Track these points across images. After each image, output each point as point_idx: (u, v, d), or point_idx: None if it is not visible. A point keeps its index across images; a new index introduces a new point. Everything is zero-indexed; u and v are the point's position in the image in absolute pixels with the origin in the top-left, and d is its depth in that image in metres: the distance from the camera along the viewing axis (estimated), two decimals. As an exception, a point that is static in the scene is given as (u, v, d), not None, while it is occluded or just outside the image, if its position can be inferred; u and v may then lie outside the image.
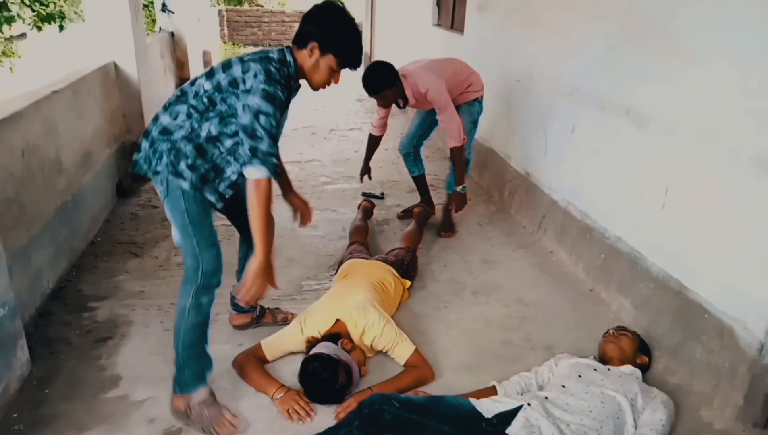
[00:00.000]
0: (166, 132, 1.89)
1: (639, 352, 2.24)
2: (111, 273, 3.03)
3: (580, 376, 2.02)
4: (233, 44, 13.61)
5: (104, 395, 2.16)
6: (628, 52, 2.72)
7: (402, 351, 2.32)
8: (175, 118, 1.89)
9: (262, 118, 1.78)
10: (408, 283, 2.88)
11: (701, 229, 2.30)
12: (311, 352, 2.18)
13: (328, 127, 6.28)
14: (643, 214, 2.64)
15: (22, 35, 11.20)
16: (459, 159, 3.38)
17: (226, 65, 1.89)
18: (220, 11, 12.96)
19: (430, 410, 1.88)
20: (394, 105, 3.40)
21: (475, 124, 3.57)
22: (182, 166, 1.87)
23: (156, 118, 1.94)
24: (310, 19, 1.96)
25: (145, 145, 1.92)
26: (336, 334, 2.27)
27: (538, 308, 2.86)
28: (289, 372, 2.26)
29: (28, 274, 2.56)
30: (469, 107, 3.49)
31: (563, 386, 1.98)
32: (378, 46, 9.25)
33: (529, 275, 3.19)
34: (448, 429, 1.83)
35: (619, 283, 2.82)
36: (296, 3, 15.05)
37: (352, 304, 2.36)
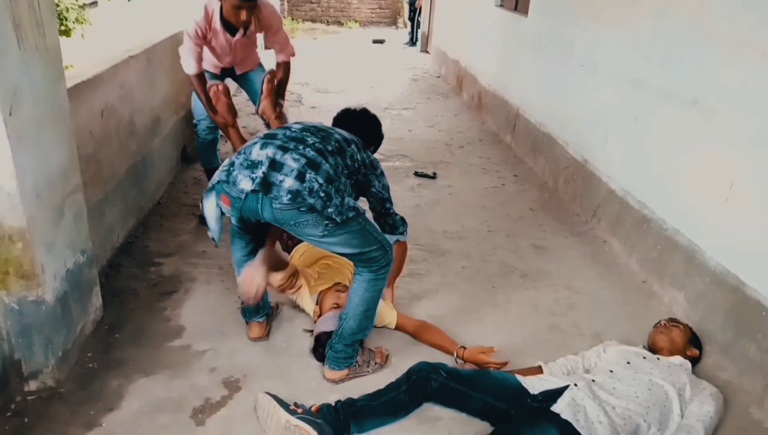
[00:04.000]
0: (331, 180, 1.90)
1: (690, 344, 2.22)
2: (175, 233, 3.20)
3: (628, 363, 2.03)
4: (292, 19, 13.75)
5: (168, 344, 2.32)
6: (696, 45, 2.65)
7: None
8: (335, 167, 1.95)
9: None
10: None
11: (765, 226, 2.24)
12: (318, 332, 2.30)
13: (383, 105, 6.33)
14: (705, 207, 2.59)
15: (94, 3, 11.65)
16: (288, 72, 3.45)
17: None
18: (280, -14, 13.11)
19: (476, 382, 1.93)
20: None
21: None
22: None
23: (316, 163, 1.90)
24: None
25: (307, 176, 1.85)
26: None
27: (587, 296, 2.85)
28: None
29: (101, 228, 2.74)
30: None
31: (611, 371, 1.99)
32: (437, 27, 9.18)
33: (580, 263, 3.18)
34: (493, 401, 1.89)
35: (673, 276, 2.77)
36: (356, -20, 15.01)
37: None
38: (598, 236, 3.47)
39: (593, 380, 1.93)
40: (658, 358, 2.09)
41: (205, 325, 2.43)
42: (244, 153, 1.93)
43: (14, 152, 1.74)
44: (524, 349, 2.41)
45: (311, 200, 1.81)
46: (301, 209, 1.82)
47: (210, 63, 3.27)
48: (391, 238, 2.30)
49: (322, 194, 1.83)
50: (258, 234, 2.23)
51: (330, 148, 1.97)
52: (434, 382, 1.93)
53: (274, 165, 1.85)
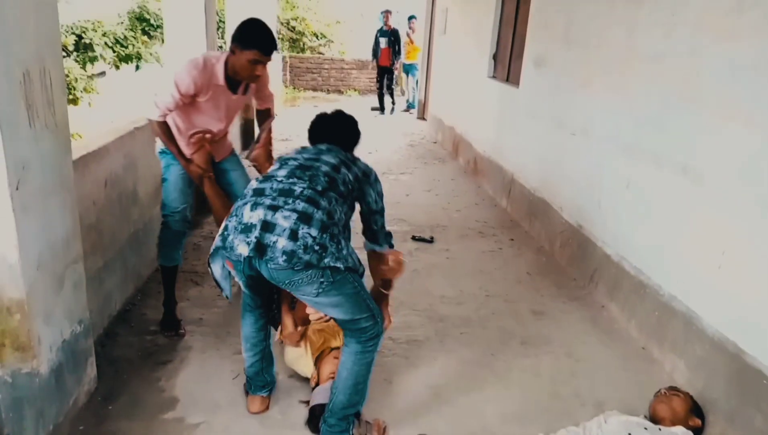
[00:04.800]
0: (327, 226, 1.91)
1: (692, 413, 2.19)
2: (173, 300, 3.20)
3: None
4: (294, 88, 14.21)
5: (162, 416, 2.27)
6: (687, 112, 2.75)
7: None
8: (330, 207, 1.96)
9: None
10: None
11: (759, 292, 2.25)
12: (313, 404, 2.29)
13: (381, 169, 6.44)
14: (699, 273, 2.61)
15: (102, 73, 12.10)
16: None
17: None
18: (283, 57, 13.62)
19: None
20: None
21: None
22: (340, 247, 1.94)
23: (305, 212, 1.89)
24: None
25: (300, 233, 1.85)
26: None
27: (588, 363, 2.82)
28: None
29: (99, 296, 2.74)
30: None
31: (612, 443, 1.95)
32: (433, 96, 9.50)
33: (579, 329, 3.16)
34: (494, 477, 1.83)
35: (673, 342, 2.76)
36: (355, 52, 15.65)
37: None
38: (597, 301, 3.47)
39: (595, 453, 1.89)
40: (660, 429, 2.05)
41: (200, 396, 2.39)
42: (236, 215, 1.95)
43: (18, 224, 1.78)
44: (526, 418, 2.37)
45: (306, 257, 1.82)
46: (296, 268, 1.83)
47: (185, 140, 2.75)
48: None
49: (316, 247, 1.84)
50: (269, 300, 2.27)
51: (320, 189, 1.96)
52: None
53: (267, 226, 1.86)
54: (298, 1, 16.04)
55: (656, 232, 2.97)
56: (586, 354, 2.90)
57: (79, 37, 10.96)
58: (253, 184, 2.06)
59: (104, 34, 11.34)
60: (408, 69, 11.49)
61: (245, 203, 1.96)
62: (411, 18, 11.14)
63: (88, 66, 11.14)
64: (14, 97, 1.74)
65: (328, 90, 14.55)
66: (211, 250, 2.01)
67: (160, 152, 2.84)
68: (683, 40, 2.79)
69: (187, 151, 2.74)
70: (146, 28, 12.30)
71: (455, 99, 7.55)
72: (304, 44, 16.10)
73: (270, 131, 2.95)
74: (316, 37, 16.48)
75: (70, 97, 9.37)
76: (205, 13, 4.50)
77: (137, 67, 11.66)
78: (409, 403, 2.43)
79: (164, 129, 2.66)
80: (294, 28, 15.76)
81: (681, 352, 2.68)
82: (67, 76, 9.21)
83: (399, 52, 10.65)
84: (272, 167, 2.17)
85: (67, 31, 10.47)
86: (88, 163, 2.62)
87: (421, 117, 10.37)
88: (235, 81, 2.70)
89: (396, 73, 11.02)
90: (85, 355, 2.31)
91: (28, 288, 1.85)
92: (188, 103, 2.67)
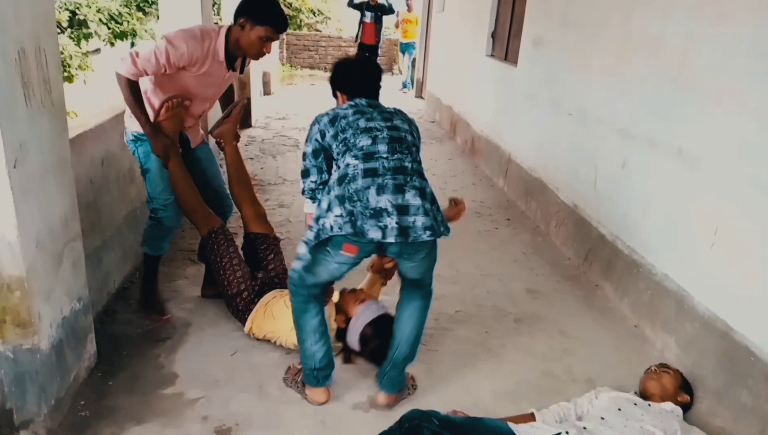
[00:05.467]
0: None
1: (681, 390, 2.23)
2: (171, 278, 3.23)
3: (619, 410, 2.04)
4: (291, 66, 14.09)
5: (161, 392, 2.32)
6: (681, 95, 2.75)
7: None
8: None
9: None
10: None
11: (750, 271, 2.29)
12: (372, 319, 2.45)
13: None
14: (692, 252, 2.64)
15: (97, 50, 11.98)
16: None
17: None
18: (280, 34, 13.51)
19: (469, 430, 1.93)
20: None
21: None
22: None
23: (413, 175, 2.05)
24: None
25: (427, 208, 2.01)
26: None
27: (581, 341, 2.87)
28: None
29: (98, 275, 2.77)
30: None
31: (602, 418, 2.00)
32: (431, 74, 9.43)
33: (573, 308, 3.20)
34: (486, 450, 1.88)
35: (664, 321, 2.80)
36: (352, 29, 15.47)
37: None
38: (591, 280, 3.51)
39: (584, 428, 1.93)
40: (650, 405, 2.10)
41: (198, 372, 2.43)
42: (359, 199, 1.95)
43: (17, 203, 1.80)
44: (518, 395, 2.42)
45: (441, 229, 2.03)
46: (433, 239, 2.03)
47: (152, 108, 2.54)
48: None
49: (439, 218, 2.05)
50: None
51: (419, 160, 2.14)
52: (427, 430, 1.92)
53: (402, 210, 1.96)
54: (295, -23, 15.82)
55: (650, 213, 3.00)
56: (579, 332, 2.95)
57: (73, 13, 10.82)
58: (354, 163, 2.02)
59: (99, 11, 11.18)
60: (405, 48, 11.36)
61: (366, 187, 1.96)
62: None
63: (83, 43, 11.00)
64: (10, 76, 1.74)
65: (325, 68, 14.41)
66: (323, 239, 1.98)
67: (131, 141, 2.59)
68: (679, 23, 2.78)
69: (152, 117, 2.48)
70: (141, 5, 12.14)
71: (453, 78, 7.51)
72: (301, 21, 15.93)
73: (242, 108, 2.87)
74: (313, 13, 16.30)
75: (65, 74, 9.28)
76: (201, -11, 4.46)
77: (132, 44, 11.52)
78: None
79: (134, 88, 2.38)
80: (291, 4, 15.56)
81: (672, 331, 2.73)
82: (62, 53, 9.12)
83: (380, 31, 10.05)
84: (357, 139, 2.07)
85: (61, 8, 10.33)
86: (84, 142, 2.62)
87: (419, 96, 10.32)
88: (232, 57, 2.53)
89: (380, 52, 10.62)
90: (85, 331, 2.35)
91: (27, 266, 1.87)
92: (168, 74, 2.42)
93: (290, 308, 2.28)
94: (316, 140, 2.16)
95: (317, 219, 2.03)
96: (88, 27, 10.86)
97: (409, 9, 10.94)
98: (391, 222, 1.93)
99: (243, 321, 2.66)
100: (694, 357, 2.56)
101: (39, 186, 1.94)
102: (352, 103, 2.22)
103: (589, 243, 3.61)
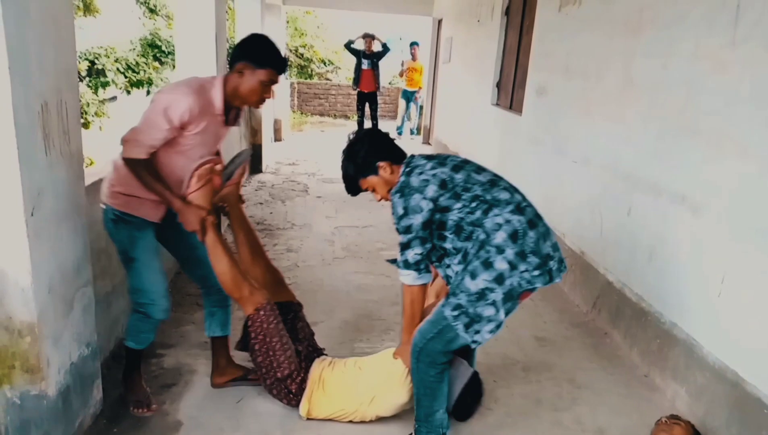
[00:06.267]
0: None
1: (693, 442, 2.18)
2: (179, 323, 3.24)
3: (630, 463, 2.00)
4: (301, 114, 14.41)
5: (166, 440, 2.30)
6: (684, 141, 2.80)
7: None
8: None
9: None
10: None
11: (759, 320, 2.27)
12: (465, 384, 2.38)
13: (386, 195, 6.50)
14: (699, 301, 2.63)
15: (113, 98, 12.35)
16: None
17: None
18: (291, 83, 13.85)
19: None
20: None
21: None
22: None
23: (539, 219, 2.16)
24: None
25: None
26: None
27: (590, 390, 2.83)
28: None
29: (107, 320, 2.79)
30: None
31: (612, 471, 1.95)
32: (438, 122, 9.62)
33: (582, 356, 3.17)
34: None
35: (674, 370, 2.76)
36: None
37: None
38: (599, 327, 3.48)
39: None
40: (661, 458, 2.05)
41: (203, 420, 2.41)
42: (523, 247, 2.03)
43: (32, 249, 1.84)
44: (526, 446, 2.38)
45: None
46: None
47: (150, 202, 2.27)
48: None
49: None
50: None
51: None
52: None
53: (555, 246, 2.13)
54: (306, 28, 16.37)
55: (656, 260, 3.00)
56: (588, 381, 2.90)
57: (92, 62, 11.23)
58: (517, 217, 2.07)
59: (116, 60, 11.61)
60: (407, 96, 11.46)
61: (524, 234, 2.03)
62: (413, 44, 11.22)
63: (100, 91, 11.38)
64: (33, 128, 1.81)
65: (334, 115, 14.74)
66: (511, 291, 2.08)
67: (111, 220, 2.26)
68: (679, 71, 2.85)
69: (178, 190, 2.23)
70: (158, 55, 12.59)
71: (459, 125, 7.65)
72: (311, 70, 16.39)
73: (245, 169, 2.56)
74: (324, 63, 16.77)
75: (82, 121, 9.53)
76: (216, 40, 4.62)
77: (148, 92, 11.91)
78: (409, 428, 2.44)
79: (151, 169, 2.16)
80: (302, 54, 16.05)
81: (682, 380, 2.69)
82: (80, 100, 9.40)
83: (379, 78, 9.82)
84: (492, 194, 2.15)
85: (81, 57, 10.72)
86: (98, 189, 2.68)
87: (426, 141, 10.49)
88: (228, 109, 2.28)
89: (380, 100, 10.48)
90: (92, 377, 2.35)
91: (39, 311, 1.89)
92: (171, 138, 2.18)
93: (349, 378, 2.37)
94: (430, 210, 2.09)
95: (498, 281, 2.02)
96: (105, 76, 11.25)
97: (414, 58, 11.17)
98: (554, 264, 2.09)
99: (295, 404, 2.42)
100: (705, 407, 2.51)
101: (53, 232, 1.99)
102: (431, 163, 2.22)
103: (596, 290, 3.60)
